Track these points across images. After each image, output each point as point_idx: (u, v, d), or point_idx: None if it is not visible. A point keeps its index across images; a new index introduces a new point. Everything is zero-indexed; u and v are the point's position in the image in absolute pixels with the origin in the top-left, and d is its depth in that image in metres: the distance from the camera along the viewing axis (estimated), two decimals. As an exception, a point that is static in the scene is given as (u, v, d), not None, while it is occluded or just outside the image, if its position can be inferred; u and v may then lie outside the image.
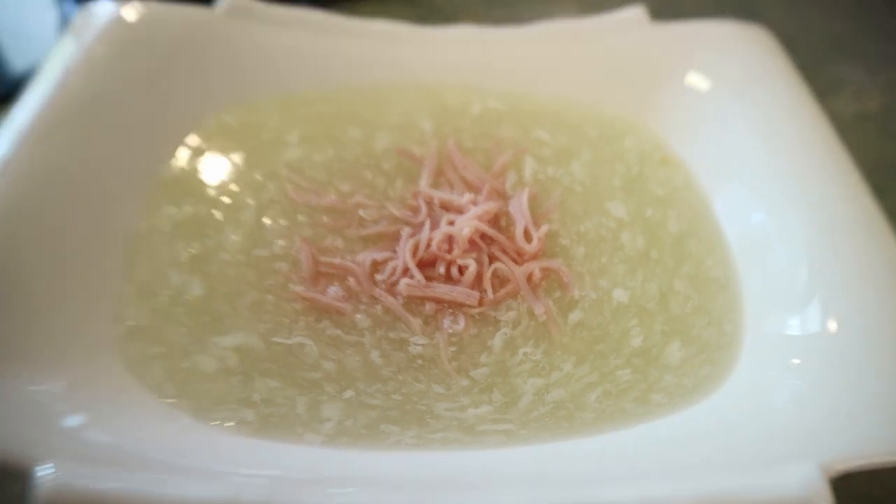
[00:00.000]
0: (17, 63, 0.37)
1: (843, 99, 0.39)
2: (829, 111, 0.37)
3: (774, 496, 0.15)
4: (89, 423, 0.17)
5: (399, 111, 0.26)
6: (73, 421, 0.17)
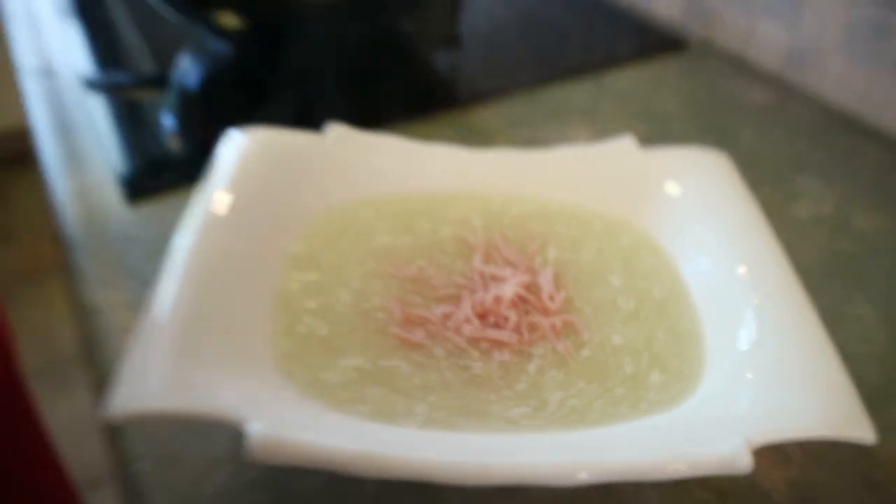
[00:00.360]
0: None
1: (802, 204, 0.48)
2: (789, 215, 0.47)
3: (713, 459, 0.23)
4: (265, 409, 0.26)
5: (456, 210, 0.36)
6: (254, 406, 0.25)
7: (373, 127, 0.41)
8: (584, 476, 0.22)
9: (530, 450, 0.25)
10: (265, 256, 0.32)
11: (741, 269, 0.31)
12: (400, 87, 0.60)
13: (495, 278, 0.33)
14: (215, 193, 0.33)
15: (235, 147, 0.36)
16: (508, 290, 0.31)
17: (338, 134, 0.38)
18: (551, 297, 0.31)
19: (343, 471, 0.22)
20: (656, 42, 0.67)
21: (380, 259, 0.34)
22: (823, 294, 0.36)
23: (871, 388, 0.33)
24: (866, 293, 0.41)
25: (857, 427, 0.24)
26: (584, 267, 0.34)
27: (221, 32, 0.57)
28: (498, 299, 0.31)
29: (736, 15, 0.66)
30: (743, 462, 0.23)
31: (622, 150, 0.38)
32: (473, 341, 0.30)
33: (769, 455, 0.31)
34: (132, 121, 0.53)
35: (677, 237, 0.34)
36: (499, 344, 0.30)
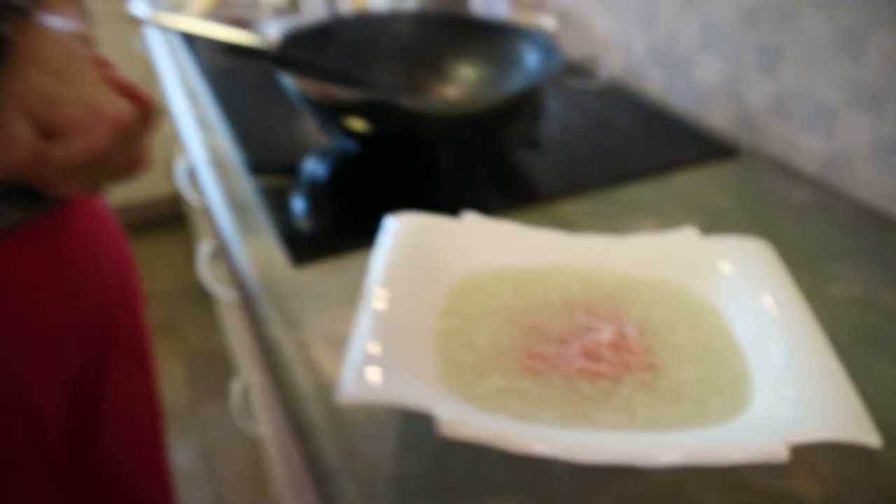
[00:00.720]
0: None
1: (836, 287, 0.58)
2: (825, 295, 0.57)
3: (761, 450, 0.33)
4: (443, 405, 0.37)
5: (561, 279, 0.48)
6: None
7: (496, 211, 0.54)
8: (669, 458, 0.33)
9: (628, 441, 0.35)
10: (424, 307, 0.44)
11: (777, 325, 0.42)
12: (494, 182, 0.74)
13: (593, 329, 0.44)
14: (387, 260, 0.45)
15: (396, 227, 0.49)
16: (605, 336, 0.42)
17: (471, 219, 0.51)
18: (636, 343, 0.43)
19: (506, 447, 0.33)
20: (712, 149, 0.80)
21: (506, 313, 0.45)
22: (854, 358, 0.46)
23: (893, 428, 0.43)
24: (891, 357, 0.50)
25: (867, 435, 0.34)
26: (660, 323, 0.45)
27: (351, 133, 0.72)
28: (597, 343, 0.42)
29: (780, 127, 0.78)
30: (781, 454, 0.33)
31: (686, 237, 0.50)
32: (580, 371, 0.41)
33: (806, 475, 0.41)
34: (286, 203, 0.67)
35: (729, 303, 0.45)
36: (598, 374, 0.41)
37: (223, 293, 1.04)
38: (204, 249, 1.13)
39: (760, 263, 0.47)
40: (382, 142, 0.72)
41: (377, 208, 0.58)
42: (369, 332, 0.39)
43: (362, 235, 0.58)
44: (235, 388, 1.31)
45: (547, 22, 0.94)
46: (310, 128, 0.82)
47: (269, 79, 0.79)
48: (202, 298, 1.69)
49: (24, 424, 0.58)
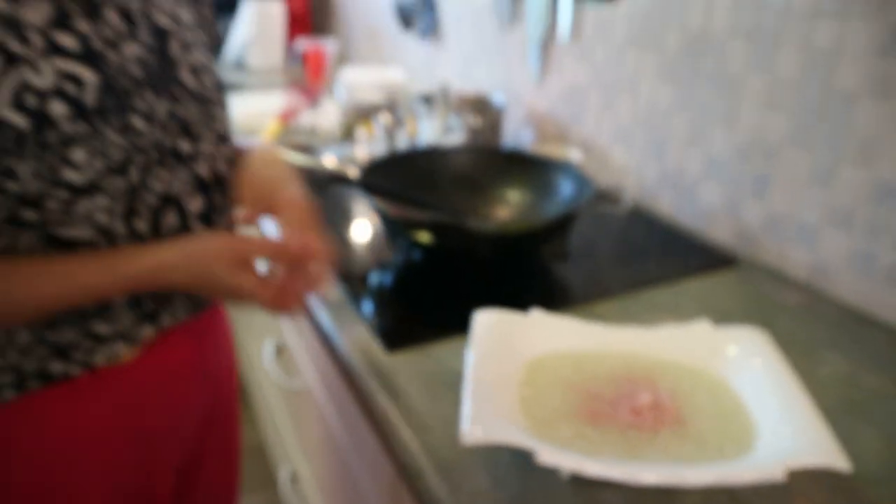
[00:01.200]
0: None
1: (825, 369, 0.72)
2: (814, 374, 0.71)
3: (765, 472, 0.47)
4: (539, 446, 0.51)
5: (608, 360, 0.63)
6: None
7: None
8: (699, 479, 0.46)
9: (668, 470, 0.49)
10: (508, 378, 0.59)
11: (772, 390, 0.56)
12: (535, 287, 0.89)
13: (635, 395, 0.58)
14: (479, 343, 0.60)
15: (483, 320, 0.64)
16: (644, 399, 0.56)
17: (537, 314, 0.66)
18: (668, 405, 0.57)
19: (587, 473, 0.47)
20: (715, 259, 0.96)
21: (567, 383, 0.60)
22: (839, 424, 0.60)
23: (873, 481, 0.56)
24: (872, 424, 0.64)
25: (840, 462, 0.48)
26: (685, 390, 0.59)
27: (417, 245, 0.88)
28: (640, 404, 0.56)
29: (772, 241, 0.95)
30: (780, 475, 0.46)
31: (702, 327, 0.65)
32: (629, 425, 0.55)
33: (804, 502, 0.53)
34: (372, 301, 0.82)
35: (737, 375, 0.60)
36: (642, 427, 0.54)
37: (290, 383, 1.18)
38: (268, 346, 1.27)
39: (759, 345, 0.61)
40: (444, 252, 0.88)
41: (444, 307, 0.74)
42: (472, 394, 0.53)
43: (437, 327, 0.73)
44: (283, 475, 1.41)
45: (575, 155, 1.14)
46: (376, 242, 0.99)
47: (334, 200, 0.96)
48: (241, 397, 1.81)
49: None
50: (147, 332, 0.63)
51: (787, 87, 0.90)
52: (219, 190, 0.66)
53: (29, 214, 0.53)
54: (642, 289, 0.87)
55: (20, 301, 0.55)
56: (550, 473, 0.51)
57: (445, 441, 0.58)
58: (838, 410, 0.65)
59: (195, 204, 0.63)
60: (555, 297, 0.85)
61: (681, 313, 0.81)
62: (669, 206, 1.13)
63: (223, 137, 0.67)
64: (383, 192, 0.89)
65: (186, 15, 0.66)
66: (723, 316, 0.81)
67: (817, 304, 0.86)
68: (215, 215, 0.66)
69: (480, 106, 1.30)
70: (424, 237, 0.87)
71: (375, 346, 0.74)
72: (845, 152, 0.84)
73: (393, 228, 0.91)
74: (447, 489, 0.54)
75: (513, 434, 0.49)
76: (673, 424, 0.55)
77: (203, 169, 0.64)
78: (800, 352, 0.74)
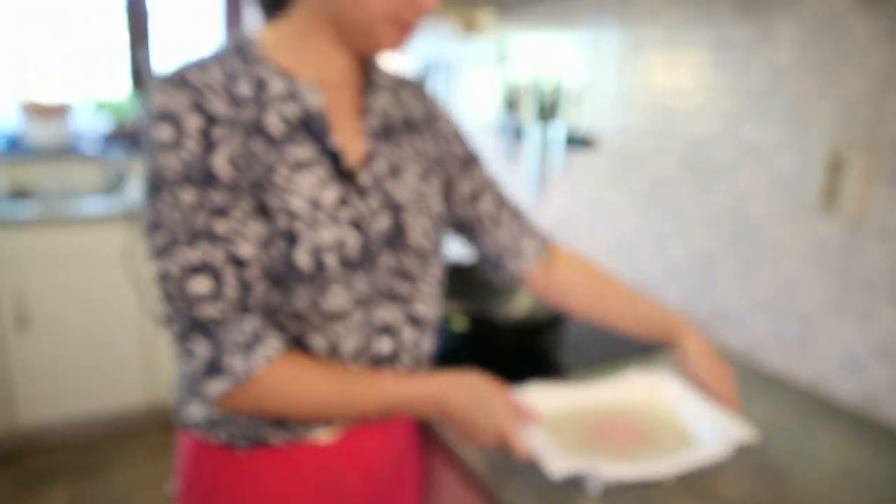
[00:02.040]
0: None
1: (756, 408, 1.03)
2: (748, 411, 1.02)
3: (718, 454, 0.77)
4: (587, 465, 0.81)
5: (595, 408, 0.94)
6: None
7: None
8: (671, 470, 0.76)
9: (646, 466, 0.78)
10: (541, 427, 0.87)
11: (691, 408, 0.86)
12: (540, 363, 1.20)
13: (617, 427, 0.87)
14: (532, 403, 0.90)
15: (528, 391, 0.94)
16: (627, 427, 0.87)
17: (550, 386, 0.97)
18: (639, 430, 0.86)
19: (637, 478, 0.76)
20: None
21: (577, 423, 0.88)
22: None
23: (775, 449, 0.86)
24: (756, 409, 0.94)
25: (751, 437, 0.78)
26: (649, 420, 0.88)
27: (455, 329, 1.20)
28: (623, 432, 0.86)
29: (718, 324, 1.28)
30: (731, 450, 0.77)
31: (657, 378, 0.96)
32: (621, 444, 0.84)
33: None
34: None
35: (666, 403, 0.90)
36: (628, 444, 0.83)
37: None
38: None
39: (676, 382, 0.92)
40: (476, 335, 1.20)
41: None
42: (534, 442, 0.77)
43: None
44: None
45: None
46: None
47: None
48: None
49: None
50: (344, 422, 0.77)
51: (720, 215, 1.26)
52: (429, 325, 0.80)
53: (295, 327, 0.70)
54: (620, 359, 1.19)
55: (301, 396, 0.69)
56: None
57: (489, 468, 0.88)
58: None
59: (407, 334, 0.76)
60: (553, 369, 1.17)
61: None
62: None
63: (438, 281, 0.82)
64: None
65: (424, 187, 0.80)
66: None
67: (748, 371, 1.18)
68: (423, 346, 0.79)
69: (494, 228, 1.66)
70: (460, 323, 1.19)
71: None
72: (760, 259, 1.19)
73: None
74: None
75: (574, 464, 0.73)
76: (645, 442, 0.83)
77: (418, 307, 0.78)
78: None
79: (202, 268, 0.63)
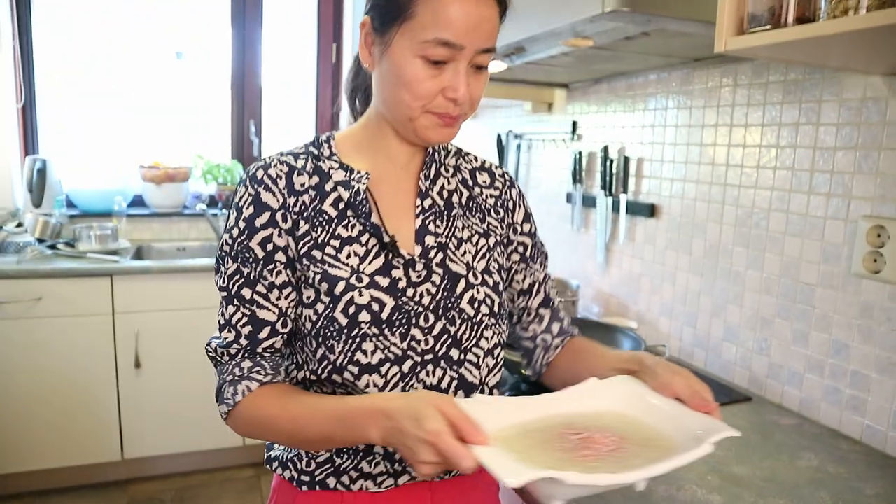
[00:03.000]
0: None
1: (802, 461, 1.10)
2: (795, 464, 1.10)
3: (699, 453, 0.82)
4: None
5: (557, 419, 1.04)
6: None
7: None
8: (643, 475, 0.81)
9: (619, 473, 0.78)
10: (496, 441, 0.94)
11: (662, 412, 0.84)
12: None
13: (586, 435, 0.85)
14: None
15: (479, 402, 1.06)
16: (598, 436, 0.84)
17: (483, 398, 0.89)
18: (608, 438, 0.80)
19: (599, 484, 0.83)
20: (736, 396, 1.36)
21: (534, 439, 0.79)
22: (804, 493, 0.98)
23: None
24: (827, 492, 1.01)
25: (732, 431, 0.74)
26: (620, 427, 0.80)
27: (525, 375, 1.32)
28: (593, 440, 0.83)
29: (773, 383, 1.35)
30: (710, 448, 0.74)
31: (622, 381, 0.87)
32: (590, 455, 0.81)
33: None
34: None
35: (635, 409, 0.87)
36: (595, 453, 0.77)
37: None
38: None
39: (641, 389, 0.82)
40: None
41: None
42: (493, 455, 0.63)
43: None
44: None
45: (632, 323, 1.60)
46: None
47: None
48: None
49: None
50: (388, 481, 0.83)
51: (774, 280, 1.36)
52: (476, 390, 0.84)
53: (336, 377, 0.79)
54: (681, 413, 1.28)
55: (266, 421, 0.78)
56: None
57: None
58: (806, 484, 1.03)
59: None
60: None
61: (706, 427, 1.21)
62: (701, 360, 1.56)
63: (490, 351, 0.85)
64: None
65: (480, 263, 0.87)
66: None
67: (804, 425, 1.25)
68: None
69: (561, 287, 1.80)
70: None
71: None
72: (812, 321, 1.28)
73: (507, 365, 1.36)
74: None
75: (538, 471, 0.59)
76: (616, 449, 0.75)
77: (466, 372, 0.82)
78: (787, 452, 1.13)
79: (229, 320, 0.82)
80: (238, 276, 0.81)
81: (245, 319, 0.81)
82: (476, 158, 0.97)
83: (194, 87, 3.18)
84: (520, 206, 0.96)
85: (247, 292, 0.81)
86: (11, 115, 2.74)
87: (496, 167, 0.97)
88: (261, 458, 2.73)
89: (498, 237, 0.92)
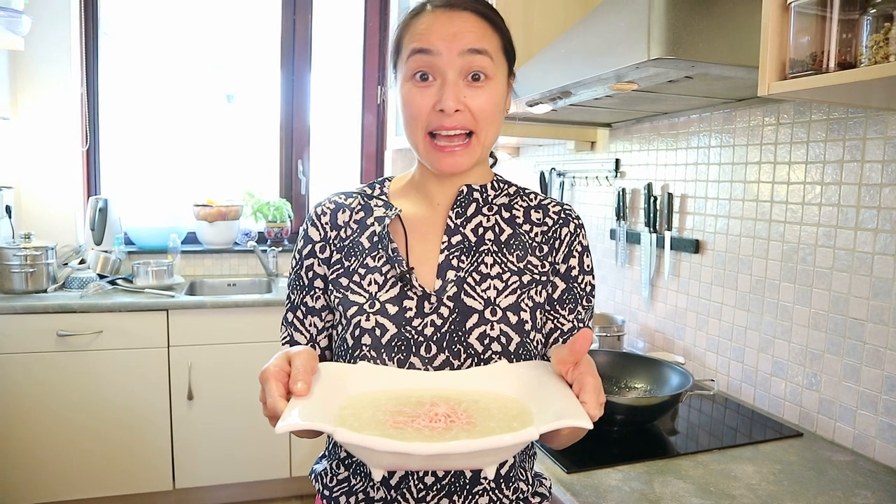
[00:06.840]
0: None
1: (858, 499, 1.09)
2: (850, 501, 1.10)
3: (523, 437, 0.78)
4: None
5: (419, 394, 0.74)
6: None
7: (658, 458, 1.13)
8: (468, 447, 0.58)
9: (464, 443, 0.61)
10: (331, 405, 0.71)
11: (541, 394, 0.73)
12: (650, 443, 1.32)
13: (434, 410, 0.72)
14: (315, 382, 0.67)
15: (324, 368, 0.73)
16: (441, 410, 0.68)
17: (365, 364, 0.78)
18: (462, 414, 0.68)
19: (378, 447, 0.58)
20: (787, 431, 1.36)
21: (382, 407, 0.70)
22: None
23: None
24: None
25: (585, 422, 0.62)
26: (481, 407, 0.71)
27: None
28: (436, 414, 0.66)
29: (825, 419, 1.35)
30: (536, 434, 0.60)
31: (499, 367, 0.79)
32: (424, 426, 0.65)
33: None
34: (550, 447, 1.28)
35: (518, 392, 0.74)
36: (434, 427, 0.64)
37: None
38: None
39: (535, 370, 0.77)
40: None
41: (594, 452, 1.19)
42: (297, 407, 0.63)
43: (593, 462, 1.18)
44: None
45: (678, 358, 1.61)
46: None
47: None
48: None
49: None
50: None
51: (822, 315, 1.37)
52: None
53: None
54: (729, 447, 1.29)
55: None
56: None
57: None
58: (860, 518, 1.03)
59: None
60: (664, 450, 1.28)
61: (758, 465, 1.22)
62: (749, 396, 1.56)
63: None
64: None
65: (504, 300, 0.86)
66: (788, 466, 1.22)
67: (858, 462, 1.24)
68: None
69: (607, 323, 1.82)
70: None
71: (559, 469, 1.19)
72: (864, 358, 1.28)
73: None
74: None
75: (315, 423, 0.61)
76: (465, 425, 0.67)
77: None
78: (842, 489, 1.12)
79: (281, 338, 0.95)
80: (288, 301, 0.95)
81: (287, 339, 0.94)
82: (536, 196, 0.97)
83: (244, 129, 3.32)
84: (566, 245, 0.92)
85: (290, 315, 0.95)
86: (77, 159, 2.89)
87: (557, 205, 0.96)
88: (307, 489, 2.77)
89: (537, 275, 0.90)
